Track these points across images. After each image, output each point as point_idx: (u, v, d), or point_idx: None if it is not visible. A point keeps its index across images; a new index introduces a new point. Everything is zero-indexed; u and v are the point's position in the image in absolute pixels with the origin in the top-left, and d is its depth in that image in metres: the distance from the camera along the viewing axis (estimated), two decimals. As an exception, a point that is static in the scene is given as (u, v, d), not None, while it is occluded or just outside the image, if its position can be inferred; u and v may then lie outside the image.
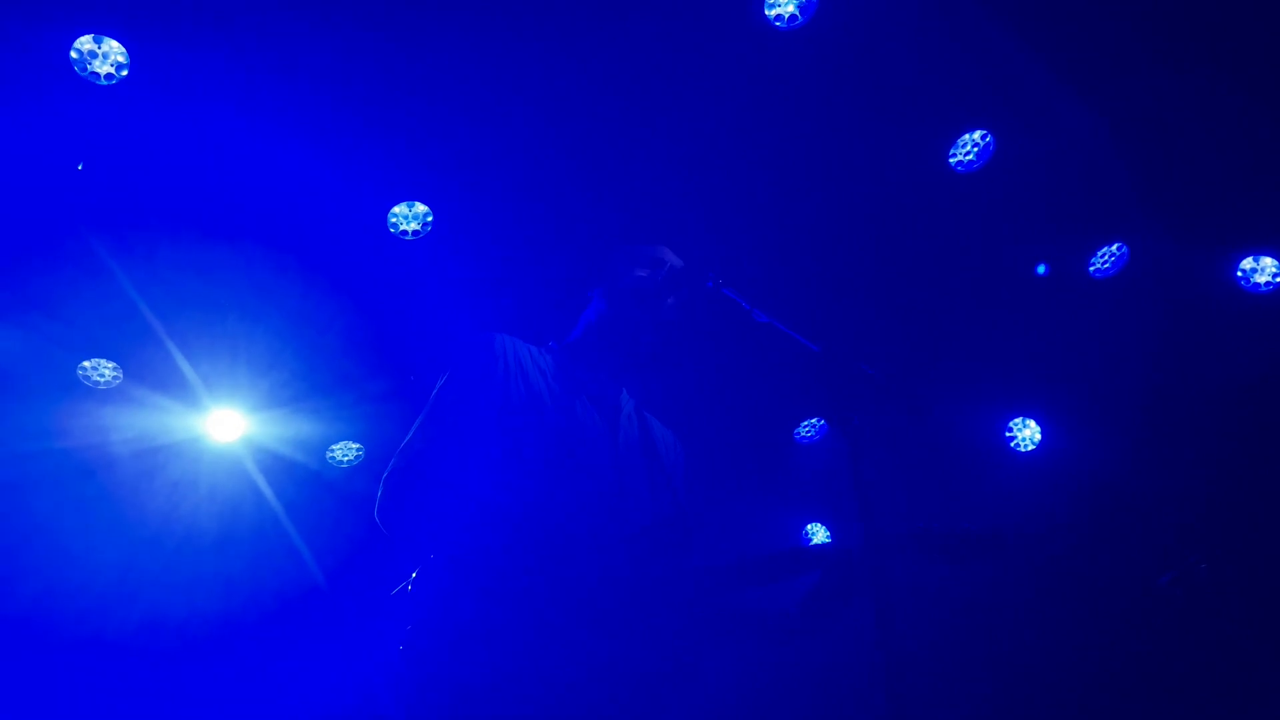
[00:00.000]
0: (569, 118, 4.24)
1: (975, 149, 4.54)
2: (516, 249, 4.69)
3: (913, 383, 5.09)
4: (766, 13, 3.96)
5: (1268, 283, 4.81)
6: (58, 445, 4.89)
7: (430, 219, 4.60)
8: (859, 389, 2.03)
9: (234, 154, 4.23)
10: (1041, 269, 4.94)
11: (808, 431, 5.74)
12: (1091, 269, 4.96)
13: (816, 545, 2.30)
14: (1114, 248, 4.90)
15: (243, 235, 4.49)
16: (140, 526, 5.10)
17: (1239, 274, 4.83)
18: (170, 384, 4.88)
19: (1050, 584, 5.04)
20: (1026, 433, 5.49)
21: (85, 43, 3.82)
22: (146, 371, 4.85)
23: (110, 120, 4.02)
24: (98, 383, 4.88)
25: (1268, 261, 4.80)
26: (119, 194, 4.28)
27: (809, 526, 5.75)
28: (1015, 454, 5.47)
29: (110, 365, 4.86)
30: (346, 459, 5.40)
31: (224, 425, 5.04)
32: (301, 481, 5.26)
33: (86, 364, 4.84)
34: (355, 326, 4.88)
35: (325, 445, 5.31)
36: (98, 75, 3.88)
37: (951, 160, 4.56)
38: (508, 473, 2.24)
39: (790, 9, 3.98)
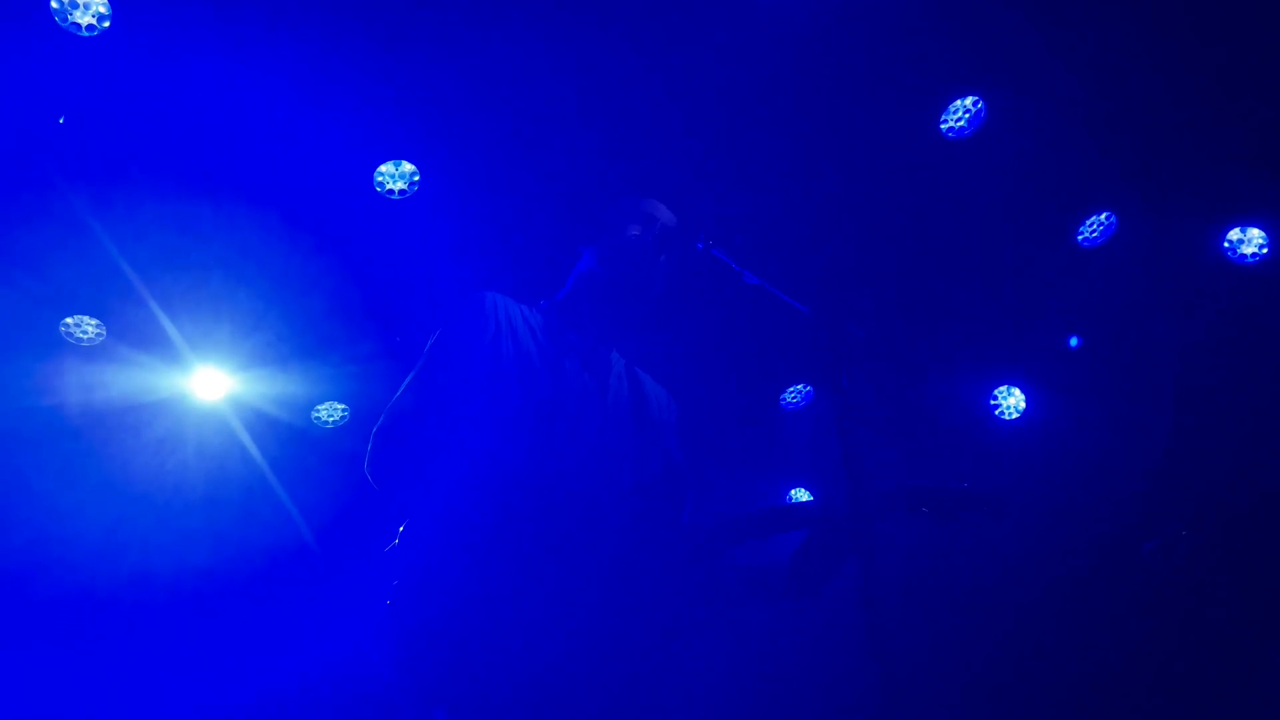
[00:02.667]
0: (559, 74, 4.20)
1: (967, 115, 4.52)
2: (505, 208, 4.65)
3: (900, 348, 5.10)
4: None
5: (1254, 254, 4.83)
6: (40, 402, 4.87)
7: (417, 178, 4.56)
8: (847, 352, 2.03)
9: (218, 110, 4.17)
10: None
11: (794, 397, 5.75)
12: (1080, 238, 4.96)
13: (805, 502, 2.30)
14: (1102, 217, 4.91)
15: (226, 193, 4.44)
16: (127, 484, 5.09)
17: (1226, 245, 4.85)
18: (154, 342, 4.85)
19: (1033, 549, 5.09)
20: (1011, 401, 5.52)
21: (66, -9, 3.75)
22: (130, 329, 4.82)
23: (92, 73, 3.95)
24: (80, 340, 4.84)
25: (1255, 233, 4.82)
26: (101, 149, 4.22)
27: (793, 492, 5.78)
28: (1000, 422, 5.51)
29: (93, 322, 4.82)
30: (332, 419, 5.38)
31: (209, 384, 5.02)
32: (287, 440, 5.25)
33: (69, 321, 4.80)
34: (341, 287, 4.85)
35: (311, 405, 5.30)
36: (79, 26, 3.81)
37: (943, 126, 4.54)
38: (498, 432, 2.23)
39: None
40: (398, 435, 2.24)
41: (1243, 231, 4.82)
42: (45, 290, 4.62)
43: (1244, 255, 4.84)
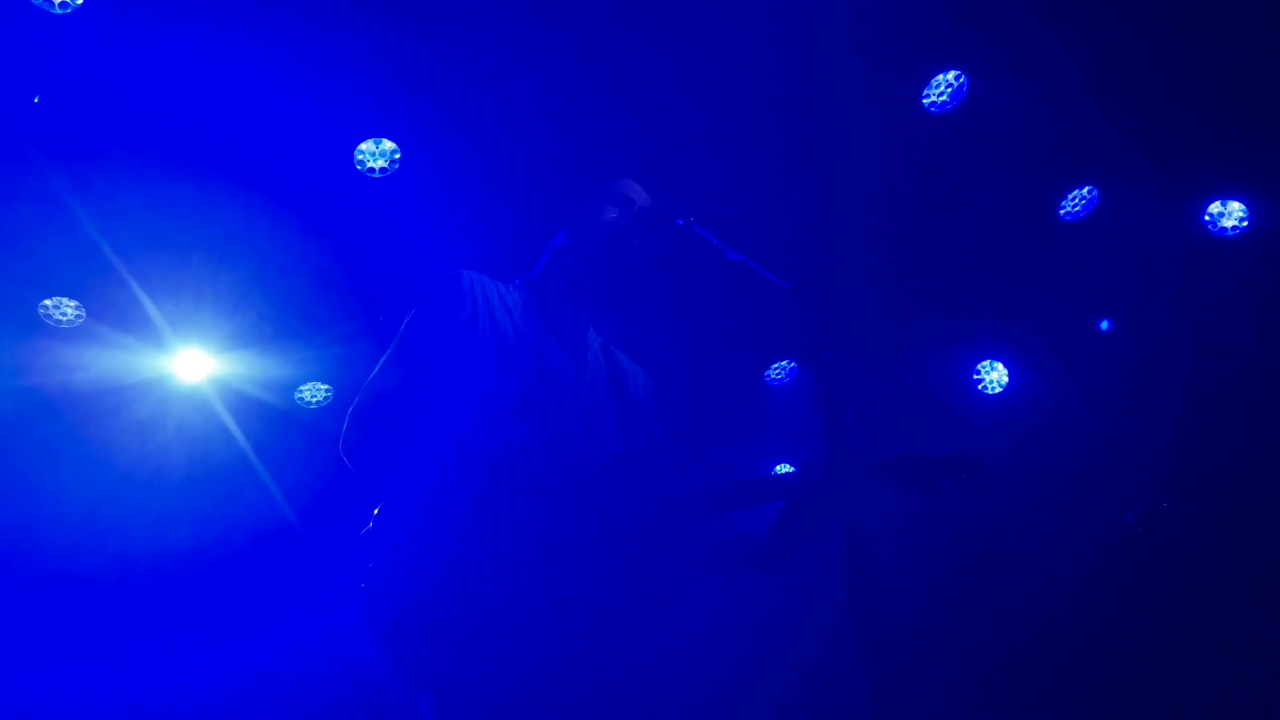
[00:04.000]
0: (541, 52, 4.17)
1: (949, 90, 4.51)
2: (486, 187, 4.63)
3: (883, 323, 5.12)
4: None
5: (1234, 227, 4.86)
6: (19, 384, 4.83)
7: (398, 156, 4.53)
8: (830, 328, 2.03)
9: (196, 87, 4.13)
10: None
11: (778, 374, 5.76)
12: (1062, 212, 4.98)
13: (787, 474, 2.31)
14: (1084, 191, 4.92)
15: (207, 172, 4.40)
16: (108, 465, 5.06)
17: (1206, 218, 4.87)
18: (134, 323, 4.81)
19: (1016, 522, 5.13)
20: (994, 375, 5.55)
21: (38, -32, 3.69)
22: (110, 311, 4.78)
23: (67, 50, 3.90)
24: (60, 321, 4.81)
25: (1235, 206, 4.84)
26: (78, 128, 4.17)
27: (778, 467, 5.80)
28: (983, 396, 5.54)
29: (72, 304, 4.78)
30: (315, 400, 5.37)
31: (191, 365, 4.99)
32: (271, 421, 5.23)
33: (48, 302, 4.76)
34: (322, 267, 4.82)
35: (294, 386, 5.28)
36: (51, 3, 3.75)
37: (925, 101, 4.54)
38: (478, 412, 2.23)
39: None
40: (373, 415, 2.24)
41: (1223, 205, 4.85)
42: (24, 271, 4.58)
43: (1224, 229, 4.87)
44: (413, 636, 2.07)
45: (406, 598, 2.09)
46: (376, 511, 2.25)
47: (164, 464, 5.15)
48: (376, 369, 2.31)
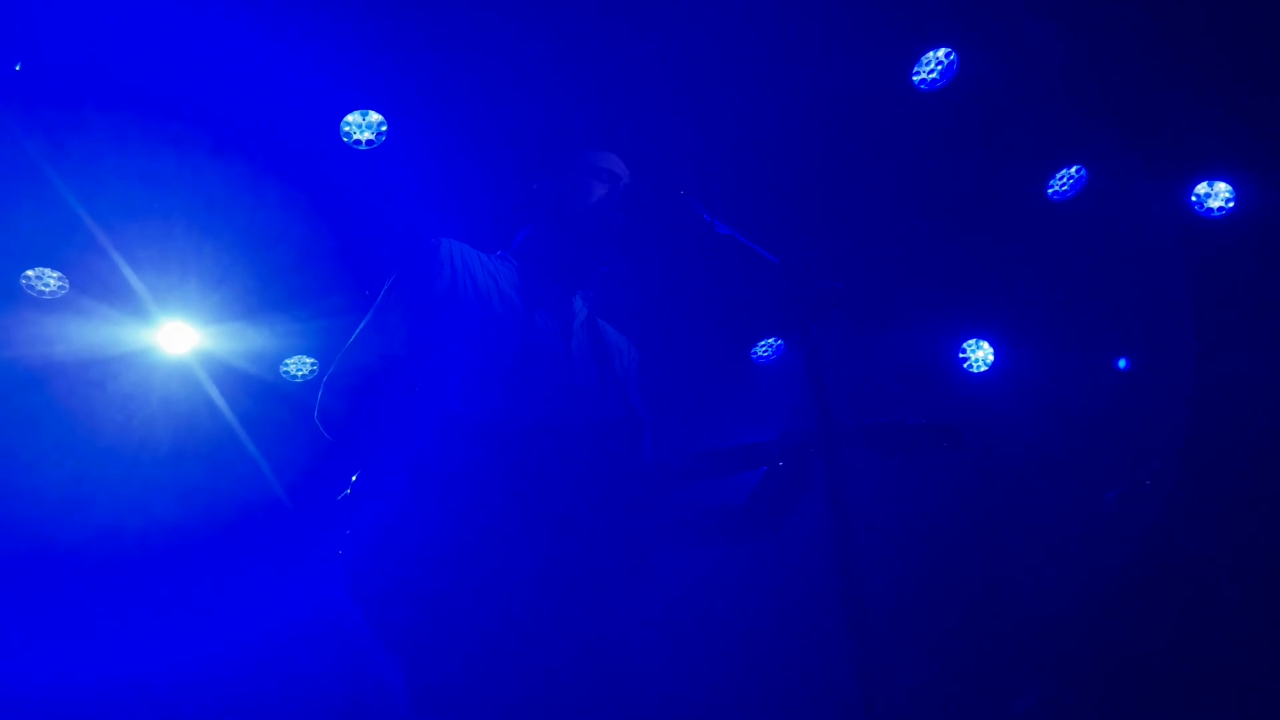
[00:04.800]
0: (528, 23, 4.13)
1: (939, 67, 4.50)
2: (474, 159, 4.60)
3: (870, 300, 5.13)
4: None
5: (1220, 208, 4.88)
6: (1, 355, 4.79)
7: (385, 128, 4.50)
8: (818, 303, 2.03)
9: (179, 56, 4.07)
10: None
11: (765, 351, 5.77)
12: (1050, 191, 4.99)
13: (768, 440, 2.32)
14: (1073, 170, 4.93)
15: (191, 142, 4.35)
16: (93, 437, 5.03)
17: (1193, 199, 4.89)
18: (118, 295, 4.77)
19: (1000, 500, 5.17)
20: (980, 354, 5.57)
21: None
22: (94, 282, 4.74)
23: (48, 19, 3.84)
24: (42, 293, 4.76)
25: (1221, 187, 4.86)
26: (59, 98, 4.11)
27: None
28: (968, 374, 5.56)
29: (55, 275, 4.74)
30: (301, 373, 5.35)
31: (175, 337, 4.96)
32: (256, 394, 5.21)
33: (30, 273, 4.72)
34: (308, 239, 4.79)
35: (279, 359, 5.26)
36: (33, -32, 3.71)
37: (915, 78, 4.53)
38: (461, 380, 2.22)
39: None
40: (349, 384, 2.22)
41: (1210, 185, 4.87)
42: (5, 242, 4.53)
43: (1211, 209, 4.89)
44: (393, 603, 2.07)
45: (387, 565, 2.09)
46: (355, 479, 2.24)
47: (149, 437, 5.13)
48: (352, 338, 2.30)
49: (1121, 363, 5.23)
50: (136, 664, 5.01)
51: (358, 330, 2.31)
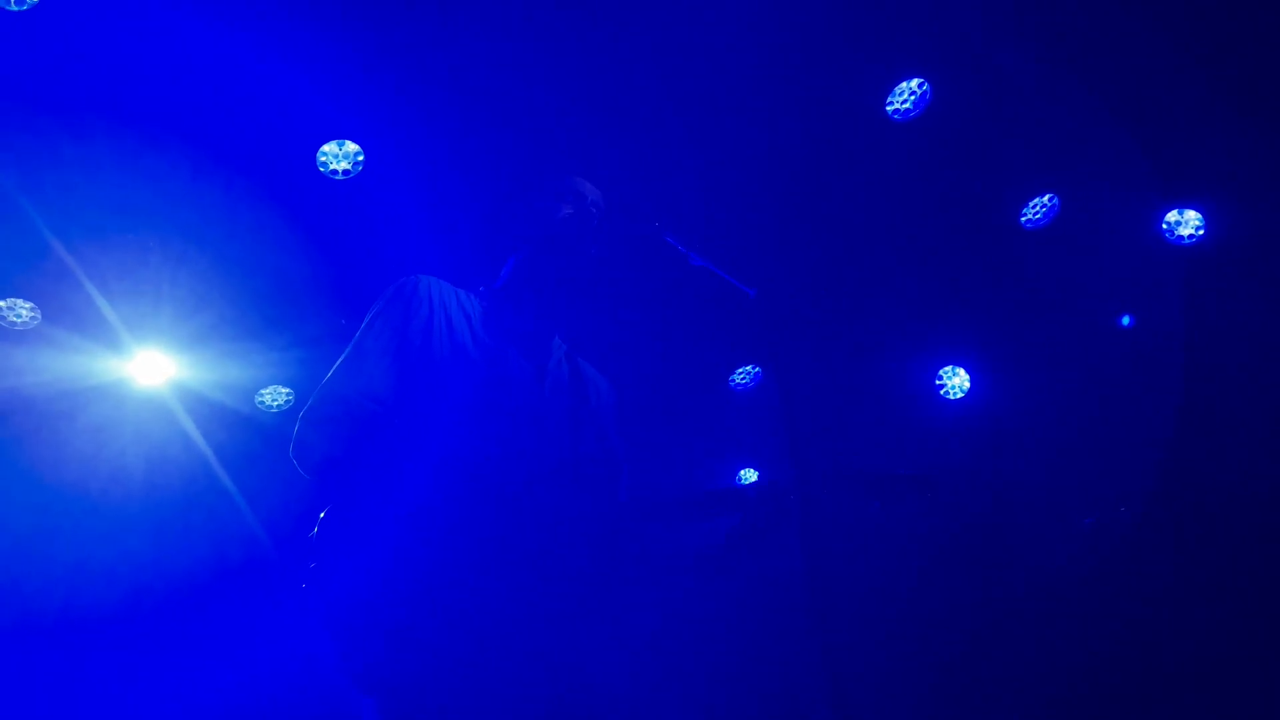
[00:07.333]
0: (505, 56, 4.15)
1: (912, 97, 4.55)
2: (450, 189, 4.60)
3: (846, 329, 5.14)
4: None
5: (1190, 235, 4.94)
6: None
7: (361, 158, 4.50)
8: (793, 333, 2.04)
9: (154, 85, 4.06)
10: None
11: (743, 378, 5.78)
12: (1023, 219, 5.03)
13: (746, 484, 2.32)
14: (1045, 199, 4.98)
15: (166, 171, 4.33)
16: (60, 468, 4.94)
17: (1164, 226, 4.94)
18: (91, 325, 4.72)
19: (976, 524, 5.17)
20: (956, 380, 5.59)
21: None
22: (66, 312, 4.68)
23: (22, 42, 3.82)
24: (14, 323, 4.71)
25: (1191, 215, 4.92)
26: (31, 126, 4.09)
27: (742, 472, 5.81)
28: (945, 401, 5.58)
29: (27, 305, 4.69)
30: (276, 404, 5.30)
31: (149, 368, 4.91)
32: (232, 425, 5.15)
33: (1, 304, 4.67)
34: (284, 269, 4.76)
35: (255, 389, 5.21)
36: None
37: (889, 108, 4.57)
38: (431, 418, 2.21)
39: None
40: (326, 420, 2.21)
41: (1180, 213, 4.93)
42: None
43: (1181, 237, 4.94)
44: (365, 641, 2.04)
45: (358, 602, 2.06)
46: (322, 515, 2.21)
47: (121, 470, 5.05)
48: (330, 373, 2.28)
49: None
50: (105, 706, 4.90)
51: (336, 365, 2.30)
